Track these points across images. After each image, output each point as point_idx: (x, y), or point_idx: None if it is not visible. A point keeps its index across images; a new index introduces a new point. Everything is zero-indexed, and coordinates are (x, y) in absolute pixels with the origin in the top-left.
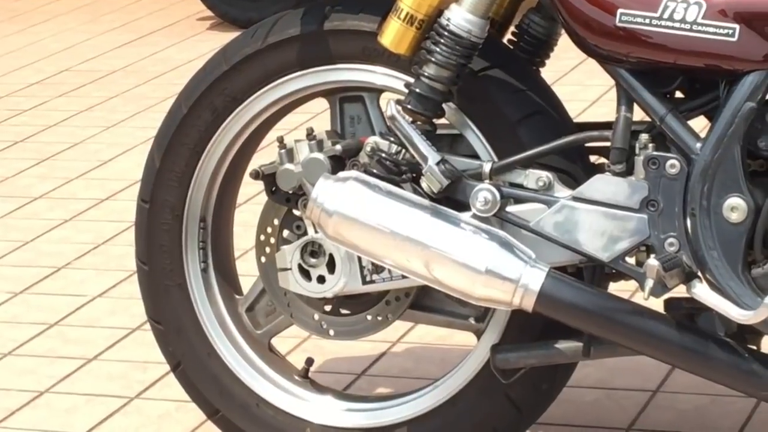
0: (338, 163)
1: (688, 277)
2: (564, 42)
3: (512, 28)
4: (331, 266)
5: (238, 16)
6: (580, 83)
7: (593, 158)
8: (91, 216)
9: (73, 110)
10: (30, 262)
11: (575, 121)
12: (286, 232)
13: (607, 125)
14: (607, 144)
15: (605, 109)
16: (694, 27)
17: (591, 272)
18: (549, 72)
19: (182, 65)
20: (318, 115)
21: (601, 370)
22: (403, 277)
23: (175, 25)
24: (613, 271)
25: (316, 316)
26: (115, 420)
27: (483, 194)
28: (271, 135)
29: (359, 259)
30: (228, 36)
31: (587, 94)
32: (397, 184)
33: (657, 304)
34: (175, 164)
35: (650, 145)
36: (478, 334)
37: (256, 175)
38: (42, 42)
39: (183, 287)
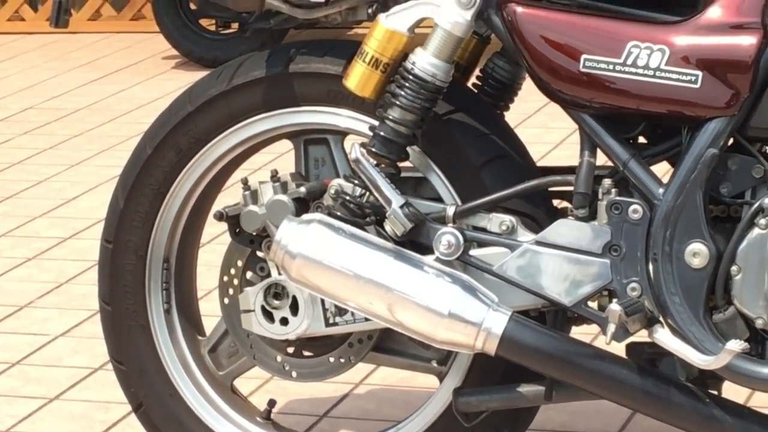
0: (302, 205)
1: (650, 322)
2: (528, 84)
3: (477, 72)
4: (294, 308)
5: (203, 55)
6: (543, 126)
7: (556, 202)
8: (54, 255)
9: (38, 148)
10: None
11: (539, 164)
12: (249, 274)
13: (570, 170)
14: (571, 188)
15: (569, 152)
16: (658, 73)
17: (553, 316)
18: (513, 114)
19: (147, 104)
20: (282, 155)
21: (563, 413)
22: (366, 319)
23: (141, 63)
24: (576, 315)
25: (279, 358)
26: None
27: (446, 238)
28: (236, 175)
29: (322, 301)
30: (193, 75)
31: (551, 136)
32: (360, 226)
33: (619, 349)
34: (140, 205)
35: (613, 190)
36: (441, 377)
37: (220, 216)
38: (7, 79)
39: (146, 328)
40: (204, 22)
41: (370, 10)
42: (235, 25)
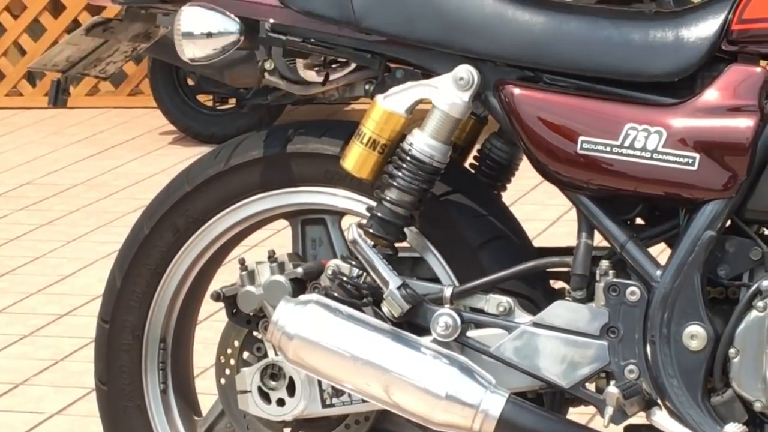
0: (299, 286)
1: (648, 405)
2: (525, 161)
3: (474, 152)
4: (291, 389)
5: (200, 131)
6: (540, 203)
7: (554, 283)
8: (50, 332)
9: (35, 224)
10: None
11: (536, 242)
12: (246, 354)
13: (567, 251)
14: (568, 270)
15: (566, 229)
16: (655, 155)
17: (551, 398)
18: (509, 191)
19: (145, 179)
20: (280, 231)
21: None
22: (363, 401)
23: (138, 138)
24: (574, 396)
25: None
26: None
27: (443, 319)
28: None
29: (319, 382)
30: (190, 150)
31: (547, 213)
32: (358, 307)
33: (617, 431)
34: (136, 285)
35: (611, 271)
36: None
37: (216, 296)
38: (5, 154)
39: (142, 408)
40: (201, 97)
41: (367, 86)
42: (232, 101)
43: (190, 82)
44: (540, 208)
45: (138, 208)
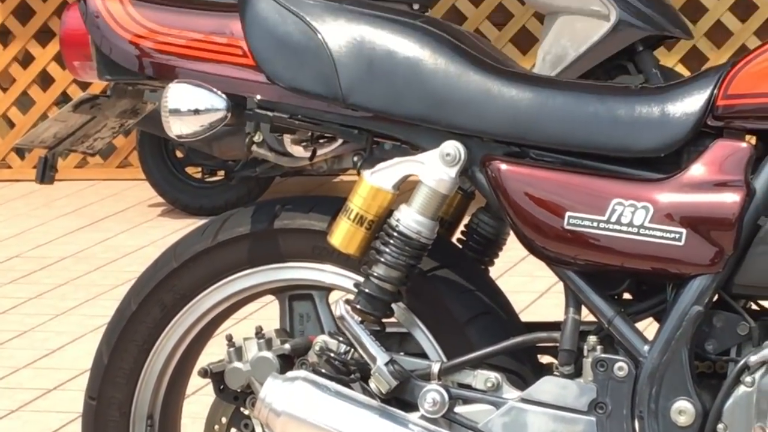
0: (287, 362)
1: None
2: (512, 234)
3: (461, 227)
4: None
5: (189, 203)
6: (528, 274)
7: (542, 358)
8: (38, 406)
9: (22, 297)
10: None
11: (524, 316)
12: (233, 431)
13: (555, 325)
14: (556, 345)
15: (554, 301)
16: (642, 231)
17: None
18: (497, 263)
19: (133, 252)
20: (267, 304)
21: None
22: None
23: (127, 211)
24: None
25: None
26: None
27: (431, 395)
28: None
29: None
30: (179, 222)
31: (536, 285)
32: (345, 384)
33: None
34: (124, 361)
35: (598, 347)
36: None
37: (204, 373)
38: None
39: None
40: (190, 169)
41: (355, 158)
42: (221, 173)
43: (179, 154)
44: (528, 280)
45: (127, 280)
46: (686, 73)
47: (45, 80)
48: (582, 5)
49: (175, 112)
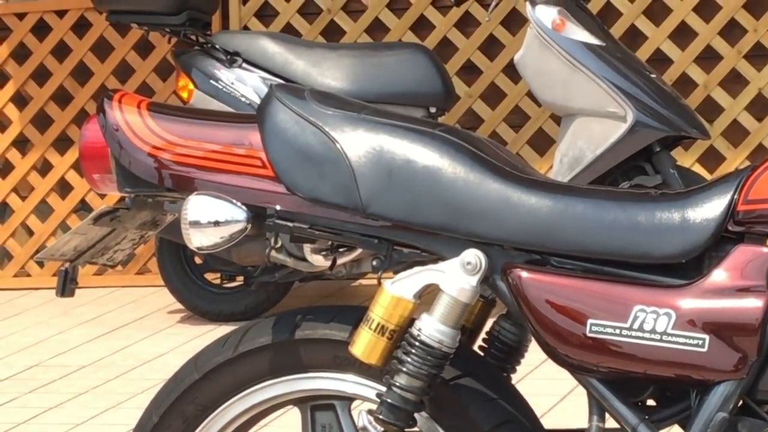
0: None
1: None
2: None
3: (483, 334)
4: None
5: (208, 309)
6: (550, 377)
7: None
8: None
9: (43, 407)
10: None
11: (547, 420)
12: None
13: None
14: None
15: (576, 404)
16: (664, 337)
17: None
18: (520, 365)
19: (153, 359)
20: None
21: None
22: None
23: (146, 318)
24: None
25: None
26: None
27: None
28: None
29: None
30: (199, 329)
31: (557, 388)
32: None
33: None
34: None
35: None
36: None
37: None
38: (12, 336)
39: None
40: (209, 275)
41: (374, 263)
42: (240, 279)
43: (198, 260)
44: (550, 383)
45: (147, 388)
46: (704, 172)
47: (64, 188)
48: (598, 107)
49: (196, 224)
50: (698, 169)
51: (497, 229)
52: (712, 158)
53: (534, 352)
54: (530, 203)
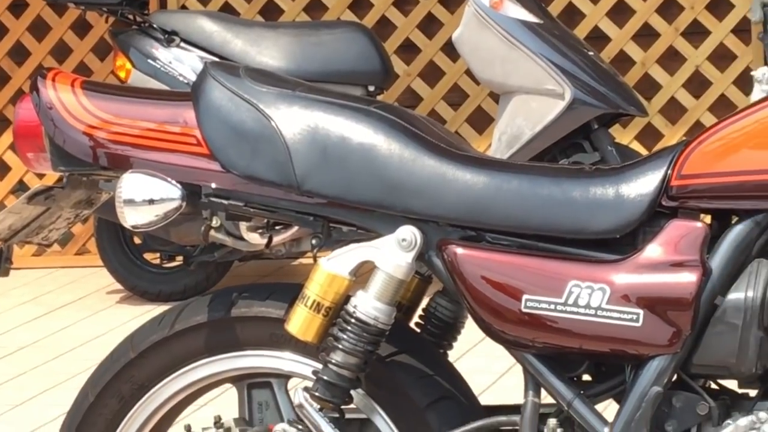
0: None
1: None
2: None
3: (419, 311)
4: None
5: (148, 289)
6: (489, 355)
7: None
8: None
9: None
10: None
11: (486, 397)
12: None
13: (515, 408)
14: (516, 428)
15: (516, 381)
16: (599, 312)
17: None
18: (458, 344)
19: (92, 339)
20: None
21: None
22: None
23: (86, 298)
24: None
25: None
26: None
27: None
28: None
29: None
30: (138, 309)
31: (497, 365)
32: None
33: None
34: None
35: (558, 429)
36: None
37: None
38: None
39: None
40: (148, 255)
41: (314, 242)
42: (179, 259)
43: (137, 240)
44: (489, 361)
45: (87, 368)
46: (642, 149)
47: (1, 168)
48: (536, 85)
49: (130, 202)
50: (636, 146)
51: (432, 205)
52: (650, 135)
53: (473, 330)
54: (465, 179)
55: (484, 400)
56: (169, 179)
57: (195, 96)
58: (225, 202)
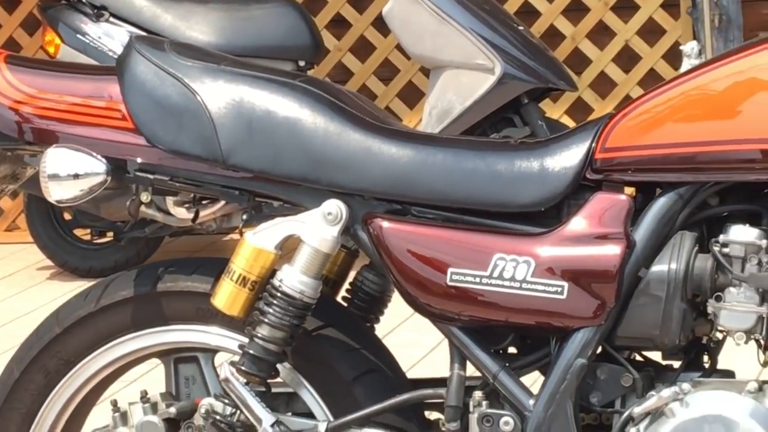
0: (173, 426)
1: None
2: None
3: (346, 285)
4: None
5: (78, 265)
6: (419, 329)
7: (429, 414)
8: None
9: None
10: None
11: (415, 371)
12: None
13: (441, 382)
14: (443, 401)
15: (445, 354)
16: (524, 285)
17: None
18: (388, 318)
19: (22, 316)
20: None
21: None
22: None
23: (15, 274)
24: None
25: None
26: None
27: None
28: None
29: None
30: (68, 285)
31: (426, 340)
32: None
33: None
34: (8, 429)
35: (484, 402)
36: None
37: None
38: None
39: None
40: (78, 231)
41: (244, 217)
42: (110, 234)
43: (67, 216)
44: (419, 335)
45: (16, 345)
46: (571, 124)
47: None
48: (466, 59)
49: (54, 177)
50: (566, 120)
51: (358, 179)
52: (580, 110)
53: (404, 304)
54: (390, 153)
55: (414, 373)
56: (93, 154)
57: (120, 70)
58: (150, 176)
